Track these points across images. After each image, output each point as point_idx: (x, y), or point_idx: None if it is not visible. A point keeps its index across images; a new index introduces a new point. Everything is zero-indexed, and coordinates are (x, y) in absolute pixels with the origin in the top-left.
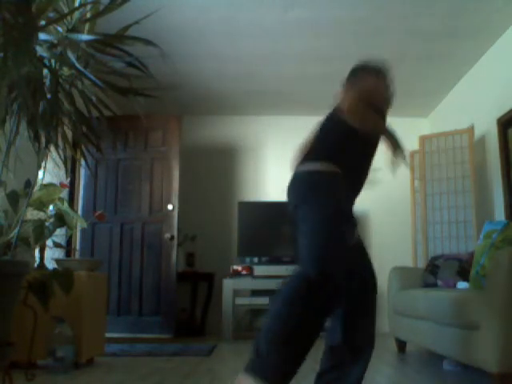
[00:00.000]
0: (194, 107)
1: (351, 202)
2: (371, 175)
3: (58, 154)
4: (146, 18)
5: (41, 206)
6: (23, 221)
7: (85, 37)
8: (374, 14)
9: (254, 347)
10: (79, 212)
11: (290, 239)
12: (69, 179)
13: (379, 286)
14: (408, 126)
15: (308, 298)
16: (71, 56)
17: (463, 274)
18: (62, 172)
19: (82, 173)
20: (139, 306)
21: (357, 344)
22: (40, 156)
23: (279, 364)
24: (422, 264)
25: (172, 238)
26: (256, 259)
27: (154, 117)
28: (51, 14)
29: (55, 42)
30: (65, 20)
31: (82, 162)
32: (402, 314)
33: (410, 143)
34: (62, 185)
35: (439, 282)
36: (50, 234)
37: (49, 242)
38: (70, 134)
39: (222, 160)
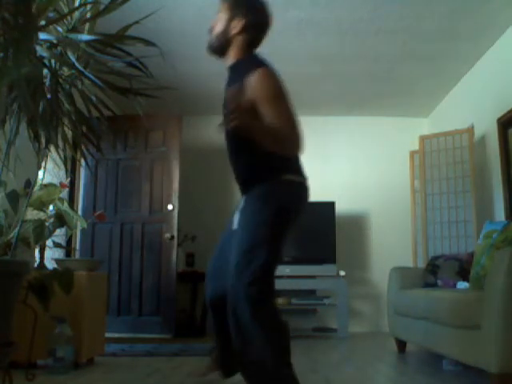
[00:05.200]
0: (194, 107)
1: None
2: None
3: (58, 154)
4: (145, 18)
5: (41, 205)
6: (23, 221)
7: (85, 37)
8: (374, 14)
9: None
10: (79, 212)
11: (290, 239)
12: (69, 179)
13: (380, 285)
14: (408, 126)
15: None
16: (71, 56)
17: (463, 274)
18: (62, 172)
19: (82, 173)
20: (139, 306)
21: None
22: (40, 156)
23: None
24: (422, 264)
25: (172, 237)
26: None
27: (154, 117)
28: (51, 14)
29: (55, 42)
30: (65, 20)
31: (82, 161)
32: (402, 314)
33: (410, 143)
34: (62, 185)
35: (439, 282)
36: (50, 234)
37: (49, 242)
38: (70, 133)
39: (222, 160)
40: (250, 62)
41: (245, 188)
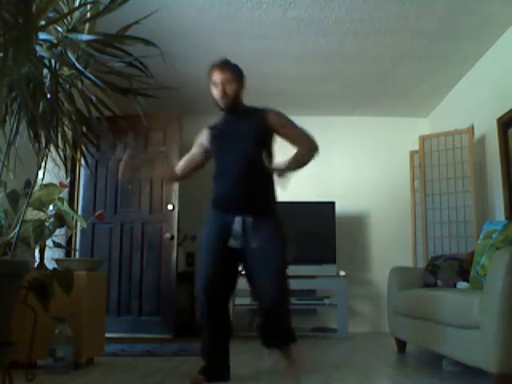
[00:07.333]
0: (194, 107)
1: None
2: None
3: (58, 154)
4: (145, 18)
5: (41, 205)
6: (23, 221)
7: (85, 37)
8: (374, 14)
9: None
10: (79, 212)
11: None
12: (69, 179)
13: (380, 285)
14: (408, 126)
15: None
16: (71, 56)
17: (463, 274)
18: (62, 172)
19: (82, 173)
20: (139, 306)
21: None
22: (40, 156)
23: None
24: (422, 264)
25: (172, 237)
26: None
27: (154, 117)
28: (51, 14)
29: (55, 41)
30: (65, 20)
31: (82, 161)
32: (402, 314)
33: (410, 143)
34: (62, 185)
35: (439, 282)
36: (50, 234)
37: (49, 242)
38: (70, 133)
39: None
40: (252, 107)
41: (256, 211)
